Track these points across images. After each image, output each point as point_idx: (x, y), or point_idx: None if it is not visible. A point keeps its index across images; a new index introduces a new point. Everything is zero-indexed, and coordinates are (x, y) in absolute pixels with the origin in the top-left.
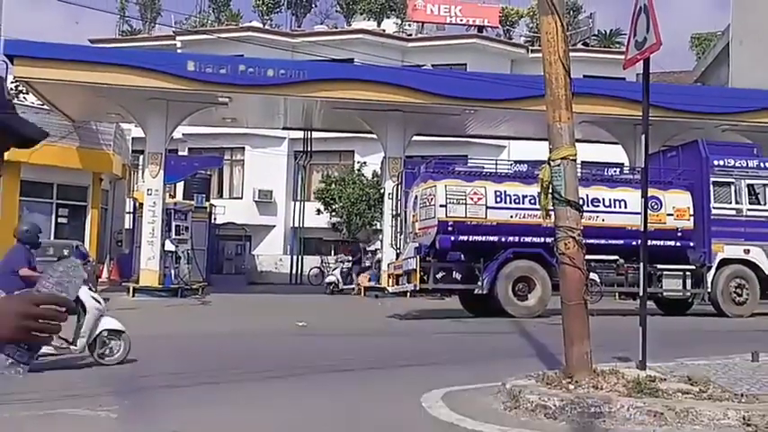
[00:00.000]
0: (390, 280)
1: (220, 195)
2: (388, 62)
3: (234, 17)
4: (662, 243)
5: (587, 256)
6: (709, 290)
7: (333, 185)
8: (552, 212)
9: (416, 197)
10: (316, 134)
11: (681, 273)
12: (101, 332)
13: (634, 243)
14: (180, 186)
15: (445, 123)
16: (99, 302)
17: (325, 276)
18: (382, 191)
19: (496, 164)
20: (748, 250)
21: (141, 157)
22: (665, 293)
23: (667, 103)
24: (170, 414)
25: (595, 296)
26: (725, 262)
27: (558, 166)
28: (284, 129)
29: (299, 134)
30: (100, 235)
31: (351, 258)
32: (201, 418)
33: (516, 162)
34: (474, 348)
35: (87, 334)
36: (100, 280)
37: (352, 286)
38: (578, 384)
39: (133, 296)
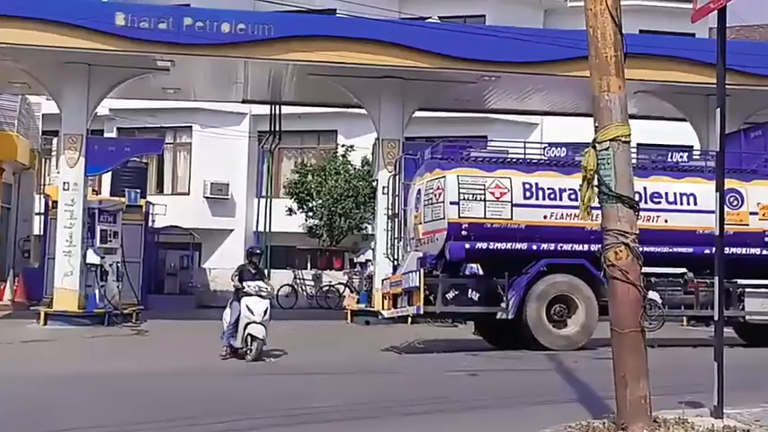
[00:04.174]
0: (385, 301)
1: (160, 191)
2: (381, 14)
3: None
4: (743, 251)
5: (645, 269)
6: None
7: (309, 177)
8: (594, 210)
9: (419, 192)
10: (286, 109)
11: None
12: (247, 335)
13: (706, 251)
14: (106, 179)
15: (457, 94)
16: (252, 311)
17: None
18: (374, 184)
19: (525, 147)
20: None
21: (55, 140)
22: (748, 317)
23: (750, 67)
24: None
25: (656, 321)
26: None
27: (607, 149)
28: (244, 102)
29: (265, 109)
30: (0, 243)
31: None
32: None
33: (551, 145)
34: (497, 390)
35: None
36: (0, 302)
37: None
38: None
39: (45, 324)
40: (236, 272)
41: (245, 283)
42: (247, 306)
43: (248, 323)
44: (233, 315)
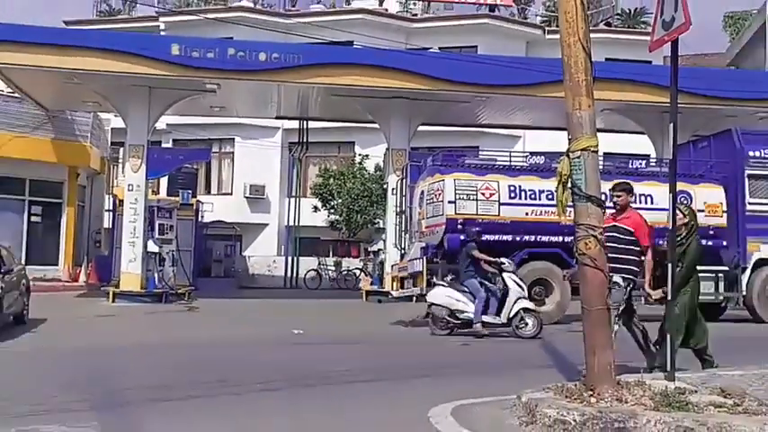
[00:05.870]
0: (394, 283)
1: (208, 191)
2: (391, 45)
3: None
4: None
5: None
6: (744, 293)
7: (331, 180)
8: (568, 208)
9: (423, 192)
10: (312, 124)
11: (713, 275)
12: (518, 310)
13: (661, 242)
14: (164, 182)
15: (454, 112)
16: (521, 286)
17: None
18: (385, 186)
19: (510, 156)
20: None
21: (121, 149)
22: None
23: (698, 89)
24: (154, 431)
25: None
26: (761, 263)
27: (578, 158)
28: (278, 118)
29: (294, 124)
30: (77, 235)
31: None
32: None
33: (532, 154)
34: (486, 358)
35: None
36: (77, 283)
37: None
38: (600, 397)
39: (113, 302)
40: (474, 250)
41: (503, 259)
42: (516, 282)
43: (519, 298)
44: (481, 291)
